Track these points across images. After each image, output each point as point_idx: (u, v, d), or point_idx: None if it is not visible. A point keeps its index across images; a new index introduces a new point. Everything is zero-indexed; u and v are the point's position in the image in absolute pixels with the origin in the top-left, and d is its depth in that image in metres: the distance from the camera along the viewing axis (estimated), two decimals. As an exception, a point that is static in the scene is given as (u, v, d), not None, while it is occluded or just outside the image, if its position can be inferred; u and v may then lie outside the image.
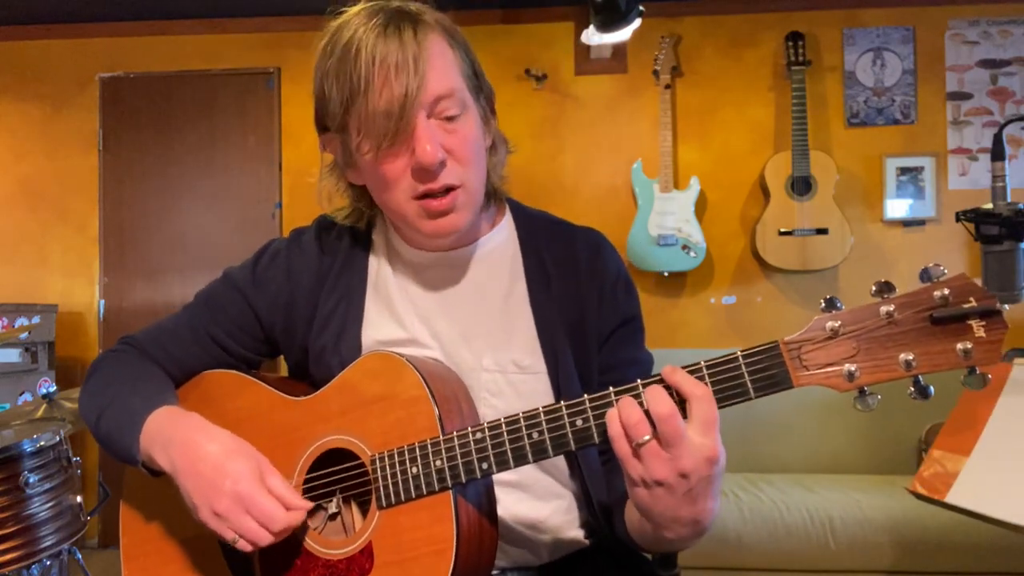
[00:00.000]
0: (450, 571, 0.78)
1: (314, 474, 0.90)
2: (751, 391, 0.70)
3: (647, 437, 0.68)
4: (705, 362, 0.72)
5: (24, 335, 3.09)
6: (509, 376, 0.95)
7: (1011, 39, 3.33)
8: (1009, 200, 1.19)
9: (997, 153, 1.21)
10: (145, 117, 3.62)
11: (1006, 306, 0.66)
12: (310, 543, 0.88)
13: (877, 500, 2.43)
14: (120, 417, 0.93)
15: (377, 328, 0.98)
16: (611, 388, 0.74)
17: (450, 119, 0.86)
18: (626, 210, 3.36)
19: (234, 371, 1.02)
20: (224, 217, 3.60)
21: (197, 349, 1.03)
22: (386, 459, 0.84)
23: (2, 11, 3.44)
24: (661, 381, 0.72)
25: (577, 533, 0.98)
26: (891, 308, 0.66)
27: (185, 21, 3.58)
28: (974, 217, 1.18)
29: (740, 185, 3.41)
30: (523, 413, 0.78)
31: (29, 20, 3.57)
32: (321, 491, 0.91)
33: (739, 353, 0.70)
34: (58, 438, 1.70)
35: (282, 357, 1.07)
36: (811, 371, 0.69)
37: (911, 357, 0.65)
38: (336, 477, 0.90)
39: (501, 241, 1.02)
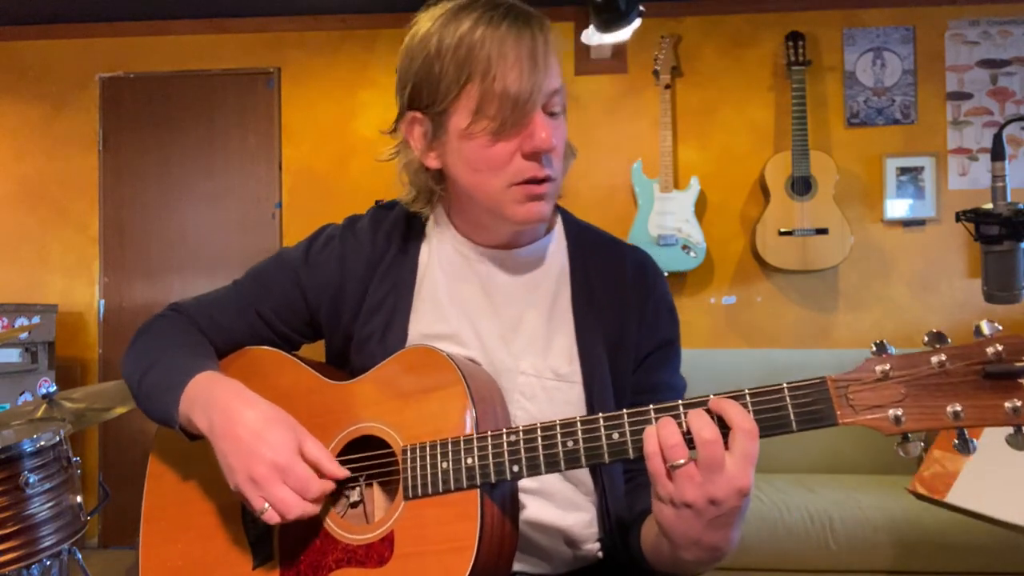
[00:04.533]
0: (468, 570, 0.78)
1: (344, 458, 0.90)
2: (793, 424, 0.70)
3: (683, 460, 0.69)
4: (749, 391, 0.72)
5: (24, 335, 3.09)
6: (545, 382, 0.96)
7: (1011, 39, 3.33)
8: (1009, 200, 1.18)
9: (997, 153, 1.21)
10: (145, 117, 3.62)
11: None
12: (331, 526, 0.88)
13: (877, 500, 2.44)
14: (164, 377, 0.94)
15: (422, 321, 0.99)
16: (651, 405, 0.74)
17: (553, 115, 0.90)
18: (626, 210, 3.36)
19: (276, 349, 1.03)
20: (224, 217, 3.60)
21: (242, 323, 1.04)
22: (417, 451, 0.84)
23: (2, 11, 3.44)
24: (705, 406, 0.72)
25: (592, 547, 0.98)
26: (943, 358, 0.67)
27: (185, 21, 3.58)
28: (974, 217, 1.18)
29: (740, 185, 3.41)
30: (559, 421, 0.78)
31: (29, 20, 3.57)
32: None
33: (785, 385, 0.71)
34: (58, 438, 1.70)
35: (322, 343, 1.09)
36: (857, 411, 0.69)
37: (959, 408, 0.66)
38: (365, 463, 0.90)
39: (552, 248, 1.03)
